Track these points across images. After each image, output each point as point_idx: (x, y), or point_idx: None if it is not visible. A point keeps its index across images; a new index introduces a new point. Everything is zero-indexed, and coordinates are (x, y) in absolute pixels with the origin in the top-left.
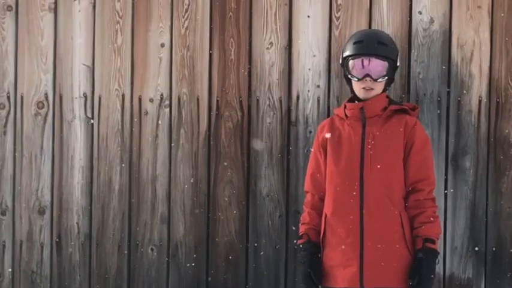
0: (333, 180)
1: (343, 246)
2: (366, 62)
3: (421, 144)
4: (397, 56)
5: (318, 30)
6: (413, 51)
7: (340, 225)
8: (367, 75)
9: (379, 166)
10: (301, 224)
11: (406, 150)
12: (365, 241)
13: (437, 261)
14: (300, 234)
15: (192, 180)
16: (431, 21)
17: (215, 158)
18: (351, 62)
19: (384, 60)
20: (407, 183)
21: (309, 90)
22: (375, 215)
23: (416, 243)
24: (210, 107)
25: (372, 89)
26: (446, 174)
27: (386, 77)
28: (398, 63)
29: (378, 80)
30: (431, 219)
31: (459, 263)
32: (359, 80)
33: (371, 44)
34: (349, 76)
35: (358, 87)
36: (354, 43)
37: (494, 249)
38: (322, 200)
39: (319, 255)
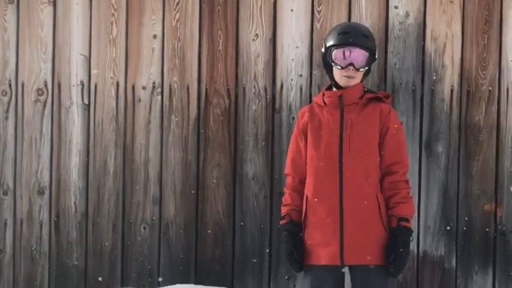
0: (313, 164)
1: (324, 226)
2: (349, 52)
3: (395, 129)
4: (376, 49)
5: (301, 23)
6: (389, 43)
7: (321, 206)
8: (351, 64)
9: (356, 150)
10: (283, 206)
11: (381, 135)
12: (345, 221)
13: (411, 238)
14: (282, 215)
15: (182, 163)
16: (407, 15)
17: (204, 142)
18: (335, 51)
19: (366, 51)
20: (382, 166)
21: (292, 80)
22: (354, 196)
23: (391, 222)
24: (199, 94)
25: (354, 77)
26: (420, 159)
27: (366, 68)
28: (376, 56)
29: (360, 70)
30: (406, 199)
31: (432, 242)
32: (342, 68)
33: (356, 35)
34: (333, 64)
35: (340, 76)
36: (339, 34)
37: (464, 228)
38: (302, 182)
39: (301, 234)
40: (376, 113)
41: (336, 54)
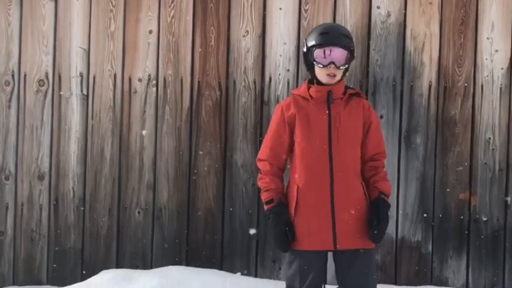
0: (305, 155)
1: (316, 214)
2: (330, 51)
3: (376, 123)
4: (354, 49)
5: (289, 21)
6: (372, 41)
7: (313, 195)
8: (332, 62)
9: (344, 141)
10: (266, 191)
11: (365, 128)
12: (336, 208)
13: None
14: (269, 198)
15: (175, 152)
16: (388, 15)
17: (196, 132)
18: (317, 51)
19: (345, 50)
20: (366, 156)
21: (280, 74)
22: (343, 184)
23: (372, 193)
24: (192, 87)
25: (335, 75)
26: (399, 150)
27: (346, 65)
28: (354, 55)
29: (340, 68)
30: (386, 179)
31: (410, 228)
32: (324, 66)
33: (336, 35)
34: (315, 63)
35: (322, 74)
36: (320, 34)
37: (440, 215)
38: (280, 169)
39: (290, 217)
40: (359, 108)
41: (318, 53)
